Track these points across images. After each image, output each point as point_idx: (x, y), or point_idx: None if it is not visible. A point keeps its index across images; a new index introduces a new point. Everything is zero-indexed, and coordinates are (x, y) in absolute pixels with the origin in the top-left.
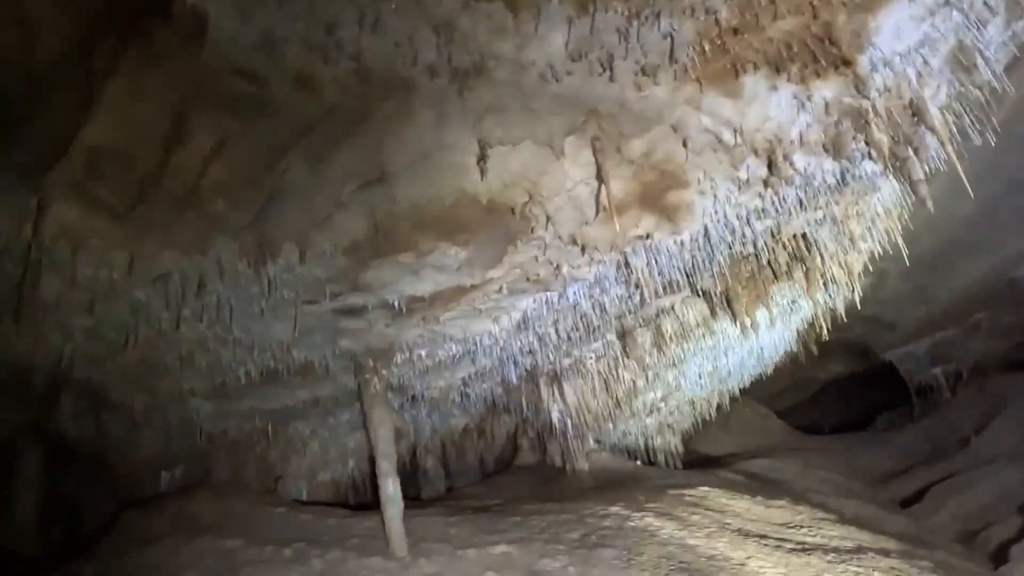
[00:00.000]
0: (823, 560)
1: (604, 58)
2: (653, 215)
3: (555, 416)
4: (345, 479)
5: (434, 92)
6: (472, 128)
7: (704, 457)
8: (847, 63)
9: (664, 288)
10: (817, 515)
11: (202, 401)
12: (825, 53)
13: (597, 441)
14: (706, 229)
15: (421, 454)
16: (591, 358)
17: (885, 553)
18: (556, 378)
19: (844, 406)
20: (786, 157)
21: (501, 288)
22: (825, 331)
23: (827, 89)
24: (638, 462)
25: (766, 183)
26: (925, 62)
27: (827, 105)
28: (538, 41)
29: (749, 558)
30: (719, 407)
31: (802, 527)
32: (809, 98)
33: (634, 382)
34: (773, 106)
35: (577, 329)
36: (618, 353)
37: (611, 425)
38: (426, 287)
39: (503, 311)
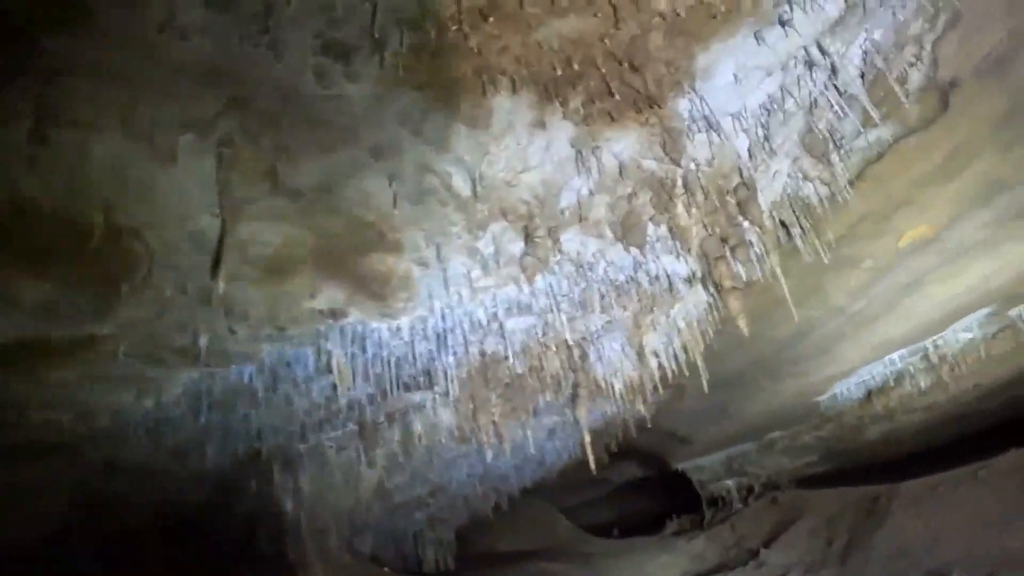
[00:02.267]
0: None
1: (261, 13)
2: (344, 285)
3: (288, 507)
4: None
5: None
6: (36, 93)
7: (482, 554)
8: (654, 105)
9: (387, 382)
10: None
11: None
12: (624, 85)
13: (349, 541)
14: (442, 316)
15: (139, 529)
16: (331, 447)
17: None
18: (291, 464)
19: (637, 507)
20: (551, 232)
21: (117, 352)
22: (614, 443)
23: (623, 141)
24: (386, 569)
25: (523, 266)
26: (766, 136)
27: (621, 167)
28: None
29: None
30: (498, 506)
31: None
32: (596, 150)
33: (382, 479)
34: (536, 151)
35: (282, 416)
36: (360, 447)
37: (359, 521)
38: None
39: (151, 383)
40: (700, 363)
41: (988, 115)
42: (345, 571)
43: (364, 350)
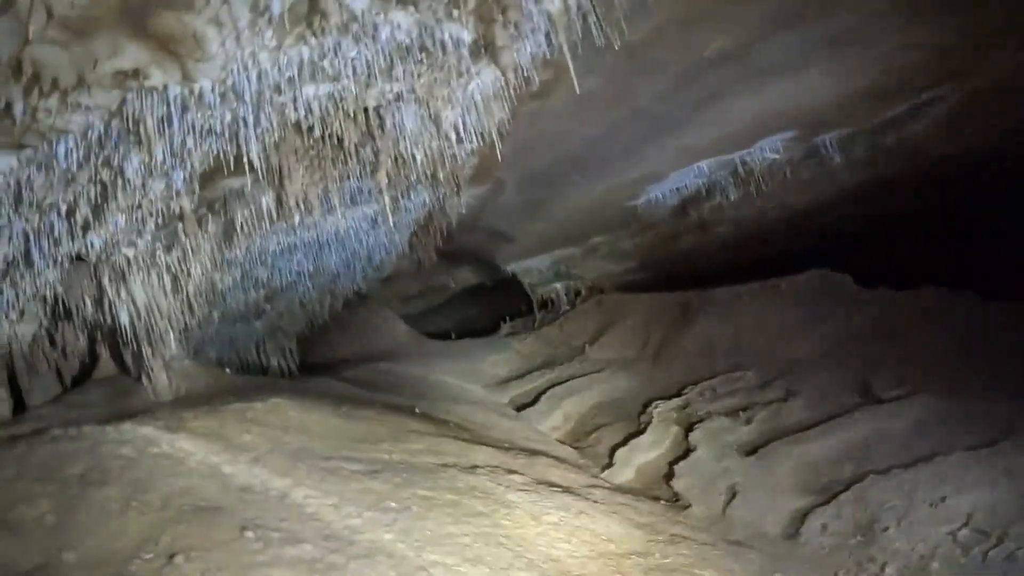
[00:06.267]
0: (389, 483)
1: None
2: (144, 45)
3: (124, 319)
4: None
5: None
6: None
7: (325, 361)
8: None
9: (199, 161)
10: (407, 427)
11: None
12: None
13: (191, 351)
14: (243, 78)
15: None
16: (160, 248)
17: (472, 469)
18: (121, 273)
19: (474, 315)
20: None
21: None
22: (439, 238)
23: None
24: (229, 370)
25: (310, 25)
26: None
27: None
28: None
29: (295, 486)
30: (335, 310)
31: (383, 442)
32: None
33: (211, 279)
34: None
35: (94, 204)
36: (187, 243)
37: (194, 328)
38: None
39: None
40: (496, 139)
41: None
42: (188, 377)
43: (170, 120)
